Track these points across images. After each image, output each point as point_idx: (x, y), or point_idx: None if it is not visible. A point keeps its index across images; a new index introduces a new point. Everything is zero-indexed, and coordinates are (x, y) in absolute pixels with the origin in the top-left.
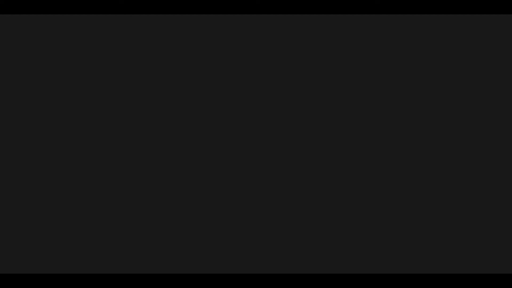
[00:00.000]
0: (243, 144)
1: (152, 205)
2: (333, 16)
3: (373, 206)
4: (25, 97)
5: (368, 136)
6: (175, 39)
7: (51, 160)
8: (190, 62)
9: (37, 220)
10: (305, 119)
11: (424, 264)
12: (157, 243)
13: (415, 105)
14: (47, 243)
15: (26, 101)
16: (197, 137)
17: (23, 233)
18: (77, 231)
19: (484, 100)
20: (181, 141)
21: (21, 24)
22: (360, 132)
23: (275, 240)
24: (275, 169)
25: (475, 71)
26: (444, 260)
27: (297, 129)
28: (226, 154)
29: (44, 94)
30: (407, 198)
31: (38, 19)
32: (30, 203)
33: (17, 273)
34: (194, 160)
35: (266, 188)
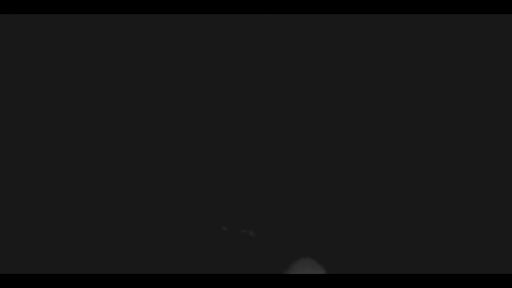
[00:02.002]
0: (242, 144)
1: (150, 205)
2: (333, 16)
3: (373, 206)
4: (25, 97)
5: (368, 136)
6: (174, 39)
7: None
8: (187, 63)
9: (37, 220)
10: (304, 120)
11: (424, 264)
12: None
13: (415, 106)
14: (47, 243)
15: (26, 101)
16: (193, 138)
17: (23, 233)
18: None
19: (484, 100)
20: (178, 141)
21: (21, 24)
22: (359, 133)
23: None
24: (273, 169)
25: (475, 71)
26: (445, 260)
27: (296, 130)
28: (224, 155)
29: (43, 94)
30: (406, 198)
31: (38, 19)
32: (30, 203)
33: (17, 273)
34: (190, 160)
35: (264, 188)
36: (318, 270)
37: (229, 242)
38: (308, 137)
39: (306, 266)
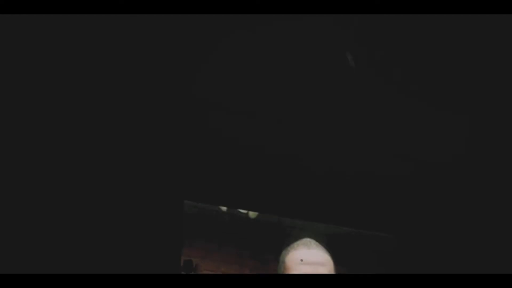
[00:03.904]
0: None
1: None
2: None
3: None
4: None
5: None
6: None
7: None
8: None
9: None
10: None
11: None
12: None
13: (414, 105)
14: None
15: (26, 101)
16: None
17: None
18: None
19: (483, 101)
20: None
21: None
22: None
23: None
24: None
25: (475, 71)
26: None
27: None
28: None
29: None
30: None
31: (38, 19)
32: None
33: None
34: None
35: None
36: (320, 251)
37: (228, 223)
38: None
39: (306, 246)
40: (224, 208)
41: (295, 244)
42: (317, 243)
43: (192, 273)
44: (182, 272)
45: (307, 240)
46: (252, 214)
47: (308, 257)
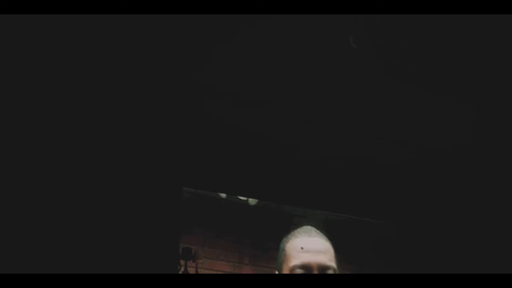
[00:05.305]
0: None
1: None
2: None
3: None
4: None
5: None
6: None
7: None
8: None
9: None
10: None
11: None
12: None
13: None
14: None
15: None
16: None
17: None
18: None
19: (487, 90)
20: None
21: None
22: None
23: None
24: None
25: (475, 71)
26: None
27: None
28: None
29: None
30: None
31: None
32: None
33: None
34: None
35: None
36: (320, 239)
37: (228, 210)
38: None
39: (307, 234)
40: (223, 195)
41: (296, 232)
42: (317, 231)
43: (191, 261)
44: (181, 260)
45: (307, 227)
46: (252, 201)
47: (308, 245)
